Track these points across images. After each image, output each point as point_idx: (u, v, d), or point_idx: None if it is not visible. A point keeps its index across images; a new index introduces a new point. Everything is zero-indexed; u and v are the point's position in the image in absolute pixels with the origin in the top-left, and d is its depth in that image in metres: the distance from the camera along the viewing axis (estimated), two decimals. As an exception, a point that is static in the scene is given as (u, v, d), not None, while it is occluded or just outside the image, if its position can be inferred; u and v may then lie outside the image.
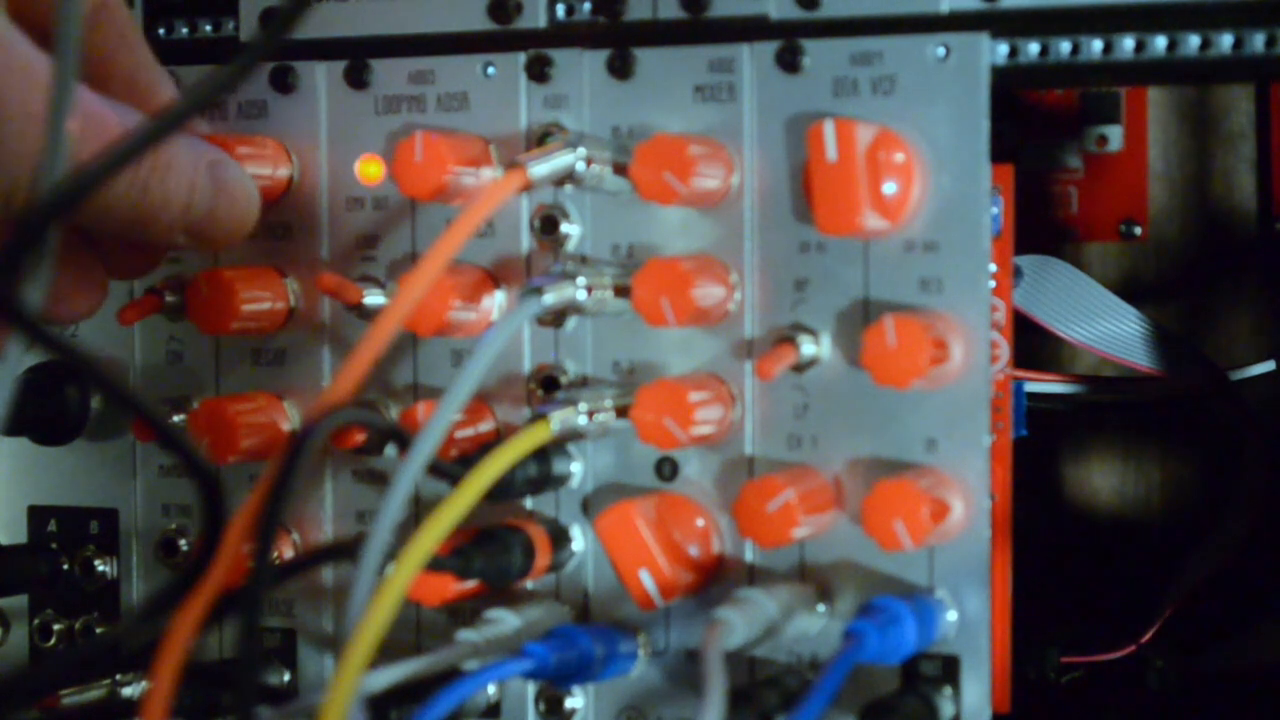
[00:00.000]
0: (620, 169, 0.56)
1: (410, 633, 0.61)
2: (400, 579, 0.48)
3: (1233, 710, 0.68)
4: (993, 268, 0.55)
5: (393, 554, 0.50)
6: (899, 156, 0.54)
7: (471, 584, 0.57)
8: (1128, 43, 0.54)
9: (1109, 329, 0.71)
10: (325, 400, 0.50)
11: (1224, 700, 0.69)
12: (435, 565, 0.53)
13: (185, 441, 0.49)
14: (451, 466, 0.54)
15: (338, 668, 0.47)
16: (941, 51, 0.54)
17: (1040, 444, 0.65)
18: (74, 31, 0.41)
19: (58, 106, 0.41)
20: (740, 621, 0.53)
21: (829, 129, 0.53)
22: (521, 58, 0.59)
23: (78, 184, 0.42)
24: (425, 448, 0.51)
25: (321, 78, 0.61)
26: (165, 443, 0.49)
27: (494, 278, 0.59)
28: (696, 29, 0.57)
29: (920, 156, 0.54)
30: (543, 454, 0.57)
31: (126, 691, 0.61)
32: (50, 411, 0.64)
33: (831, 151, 0.53)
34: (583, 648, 0.55)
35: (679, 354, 0.57)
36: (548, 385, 0.59)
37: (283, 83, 0.62)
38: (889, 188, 0.53)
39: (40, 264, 0.41)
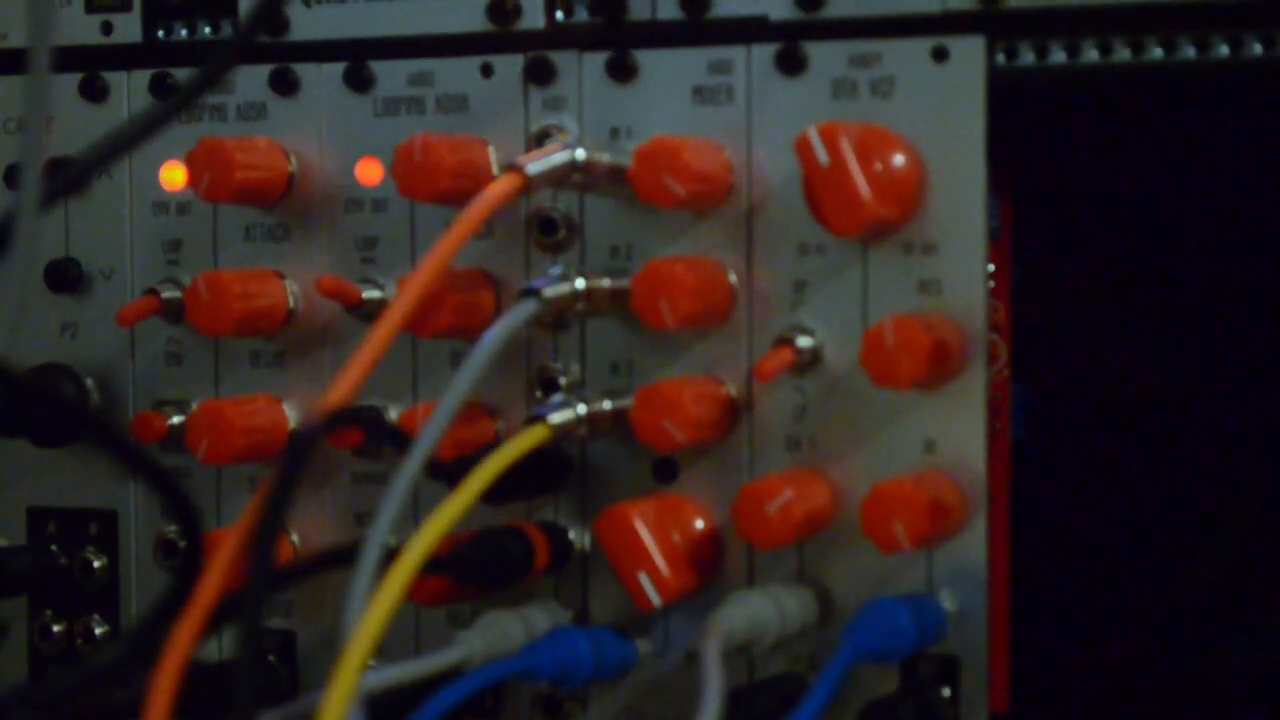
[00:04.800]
0: (619, 171, 0.56)
1: (409, 634, 0.61)
2: (398, 580, 0.48)
3: (1233, 710, 0.68)
4: (991, 268, 0.55)
5: (392, 556, 0.50)
6: (890, 146, 0.54)
7: (470, 585, 0.57)
8: (1124, 45, 0.54)
9: (1110, 330, 0.71)
10: (325, 402, 0.50)
11: (1224, 700, 0.69)
12: (434, 567, 0.53)
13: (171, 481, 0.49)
14: (450, 468, 0.54)
15: (336, 669, 0.47)
16: (940, 53, 0.54)
17: (1040, 444, 0.65)
18: (47, 36, 0.41)
19: (34, 114, 0.41)
20: (739, 622, 0.53)
21: (814, 136, 0.53)
22: (521, 60, 0.59)
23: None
24: (424, 449, 0.51)
25: (321, 80, 0.61)
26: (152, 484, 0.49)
27: (493, 279, 0.59)
28: (696, 30, 0.57)
29: (919, 158, 0.54)
30: (541, 455, 0.57)
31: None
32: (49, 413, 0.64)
33: (822, 155, 0.53)
34: (582, 649, 0.55)
35: (678, 355, 0.57)
36: (547, 386, 0.59)
37: (282, 85, 0.62)
38: (888, 173, 0.53)
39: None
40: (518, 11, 0.59)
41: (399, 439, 0.56)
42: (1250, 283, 0.72)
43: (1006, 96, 0.55)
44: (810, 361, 0.56)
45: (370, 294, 0.60)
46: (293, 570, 0.59)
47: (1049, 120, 0.65)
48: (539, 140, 0.58)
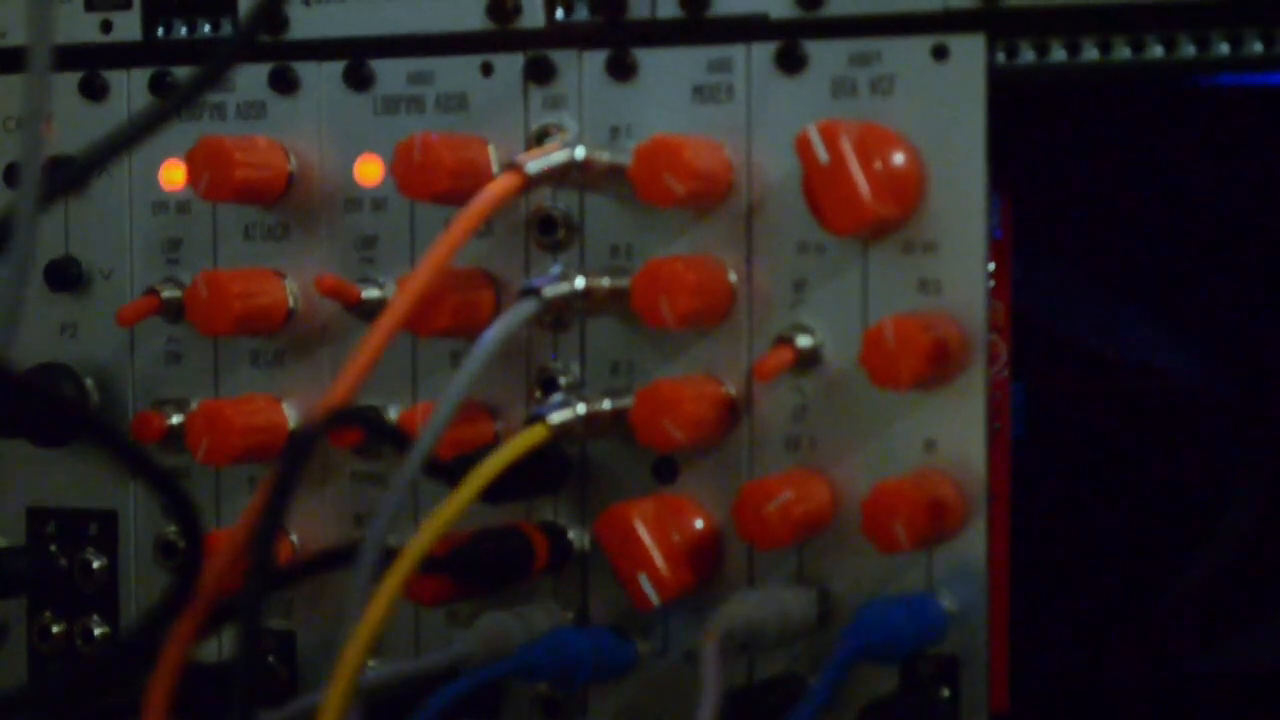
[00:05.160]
0: (619, 169, 0.56)
1: (408, 634, 0.61)
2: (397, 579, 0.48)
3: (1233, 710, 0.68)
4: (991, 267, 0.55)
5: (391, 555, 0.50)
6: (890, 144, 0.54)
7: (469, 585, 0.57)
8: (1124, 43, 0.54)
9: (1110, 329, 0.71)
10: (325, 402, 0.50)
11: (1224, 700, 0.69)
12: (433, 566, 0.53)
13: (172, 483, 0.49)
14: (450, 467, 0.54)
15: (335, 668, 0.47)
16: (940, 52, 0.54)
17: (1040, 443, 0.65)
18: (47, 35, 0.41)
19: (34, 113, 0.41)
20: (739, 622, 0.53)
21: (814, 134, 0.53)
22: (520, 58, 0.59)
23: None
24: (423, 449, 0.51)
25: (320, 78, 0.61)
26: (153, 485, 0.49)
27: (493, 279, 0.59)
28: (695, 29, 0.57)
29: (919, 156, 0.54)
30: (541, 455, 0.57)
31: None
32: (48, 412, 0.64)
33: (822, 154, 0.53)
34: (581, 649, 0.55)
35: (677, 355, 0.57)
36: (546, 386, 0.59)
37: (282, 83, 0.62)
38: (888, 172, 0.53)
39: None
40: (518, 10, 0.59)
41: (399, 439, 0.56)
42: (1251, 281, 0.72)
43: (1007, 95, 0.54)
44: (810, 361, 0.56)
45: (370, 293, 0.60)
46: (292, 570, 0.59)
47: (1049, 119, 0.65)
48: (539, 139, 0.58)
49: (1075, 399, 0.73)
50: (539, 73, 0.59)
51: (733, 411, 0.56)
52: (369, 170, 0.61)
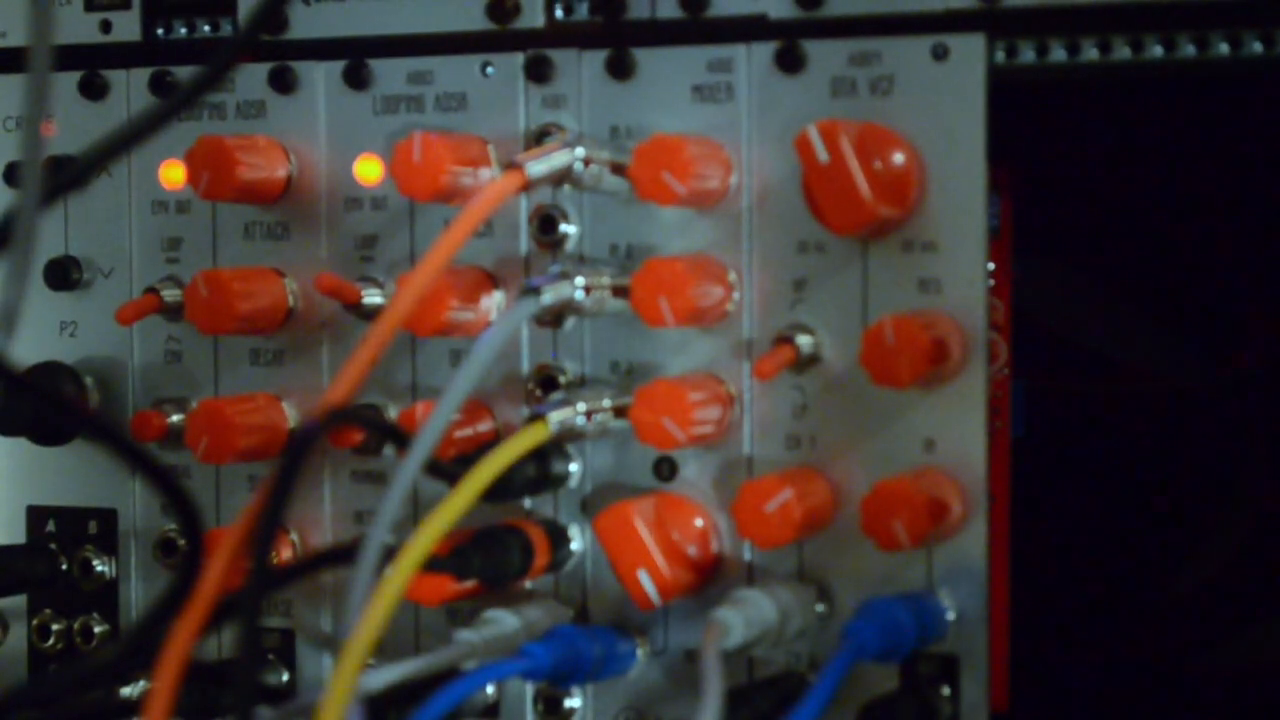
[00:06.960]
0: (619, 169, 0.56)
1: (409, 633, 0.61)
2: (398, 579, 0.48)
3: (1233, 710, 0.68)
4: (991, 266, 0.55)
5: (391, 554, 0.50)
6: (890, 144, 0.54)
7: (470, 584, 0.57)
8: (1124, 43, 0.54)
9: (1109, 329, 0.71)
10: (325, 401, 0.50)
11: (1224, 700, 0.69)
12: (433, 565, 0.53)
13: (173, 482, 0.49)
14: (450, 466, 0.54)
15: (335, 667, 0.47)
16: (940, 51, 0.54)
17: (1040, 443, 0.65)
18: (47, 35, 0.41)
19: (34, 113, 0.41)
20: (739, 622, 0.53)
21: (814, 133, 0.53)
22: (520, 58, 0.59)
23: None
24: (423, 447, 0.51)
25: (320, 78, 0.61)
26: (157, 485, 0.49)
27: (493, 278, 0.59)
28: (695, 29, 0.57)
29: (919, 156, 0.54)
30: (541, 454, 0.57)
31: (125, 691, 0.61)
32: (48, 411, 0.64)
33: (821, 154, 0.53)
34: (581, 648, 0.55)
35: (677, 354, 0.57)
36: (546, 385, 0.59)
37: (281, 83, 0.62)
38: (887, 171, 0.53)
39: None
40: (517, 10, 0.59)
41: (399, 438, 0.56)
42: (1250, 281, 0.72)
43: (1007, 94, 0.54)
44: (810, 360, 0.56)
45: (370, 292, 0.60)
46: (292, 569, 0.59)
47: (1049, 118, 0.65)
48: (538, 138, 0.58)
49: (1075, 399, 0.73)
50: (538, 72, 0.59)
51: (733, 410, 0.57)
52: (369, 170, 0.61)
